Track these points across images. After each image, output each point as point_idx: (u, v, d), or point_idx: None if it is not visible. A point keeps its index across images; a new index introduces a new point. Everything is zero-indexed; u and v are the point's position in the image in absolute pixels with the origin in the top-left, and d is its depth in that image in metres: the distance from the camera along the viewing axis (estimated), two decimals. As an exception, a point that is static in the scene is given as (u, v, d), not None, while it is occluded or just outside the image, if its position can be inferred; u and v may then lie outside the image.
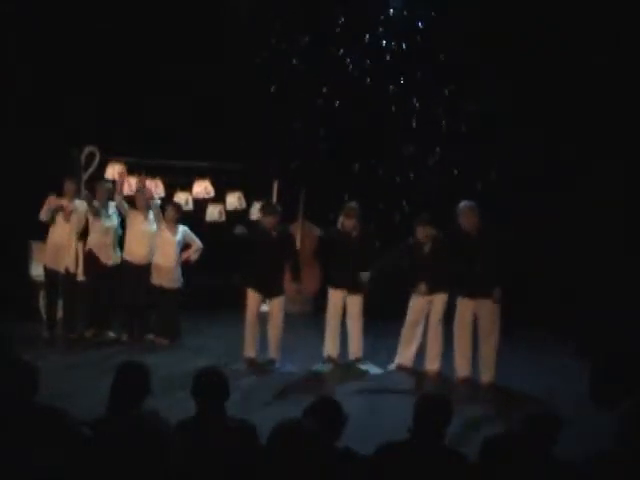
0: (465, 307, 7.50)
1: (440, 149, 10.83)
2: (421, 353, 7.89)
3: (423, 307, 7.80)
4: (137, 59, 10.16)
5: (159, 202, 8.90)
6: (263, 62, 10.66)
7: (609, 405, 6.29)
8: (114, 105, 10.04)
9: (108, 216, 8.75)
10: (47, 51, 9.82)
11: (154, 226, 8.68)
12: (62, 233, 8.65)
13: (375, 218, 9.67)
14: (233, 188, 9.72)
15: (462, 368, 7.55)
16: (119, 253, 8.81)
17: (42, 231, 8.77)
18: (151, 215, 8.70)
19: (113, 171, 9.10)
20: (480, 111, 10.42)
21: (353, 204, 8.03)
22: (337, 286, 8.00)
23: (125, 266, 8.71)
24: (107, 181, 9.00)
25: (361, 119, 10.59)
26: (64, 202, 8.61)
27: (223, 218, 9.63)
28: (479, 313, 7.47)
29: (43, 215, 8.51)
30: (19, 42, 9.79)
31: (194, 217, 9.39)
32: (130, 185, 9.09)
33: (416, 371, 7.85)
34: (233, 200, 9.69)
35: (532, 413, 3.94)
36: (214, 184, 9.66)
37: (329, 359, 8.01)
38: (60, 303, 8.82)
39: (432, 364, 7.77)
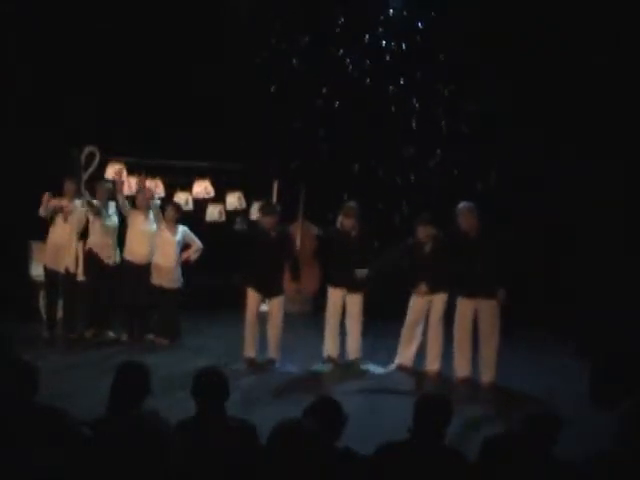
0: (465, 307, 7.50)
1: (440, 149, 10.83)
2: (421, 353, 7.89)
3: (423, 307, 7.80)
4: (137, 59, 10.16)
5: (159, 202, 8.90)
6: (263, 62, 10.66)
7: (609, 405, 6.29)
8: (114, 105, 10.04)
9: (108, 216, 8.75)
10: (47, 51, 9.82)
11: (154, 226, 8.69)
12: (62, 233, 8.65)
13: (375, 218, 9.68)
14: (233, 188, 9.72)
15: (462, 368, 7.55)
16: (119, 253, 8.81)
17: (42, 231, 8.78)
18: (151, 215, 8.70)
19: (113, 171, 9.10)
20: (480, 111, 10.42)
21: (352, 204, 8.04)
22: (336, 285, 8.01)
23: (125, 266, 8.71)
24: (107, 181, 9.00)
25: (361, 119, 10.59)
26: (64, 202, 8.61)
27: (223, 218, 9.63)
28: (479, 314, 7.47)
29: (42, 211, 8.50)
30: (19, 42, 9.79)
31: (194, 217, 9.39)
32: (130, 185, 9.10)
33: (416, 371, 7.85)
34: (233, 200, 9.69)
35: (532, 413, 3.94)
36: (214, 184, 9.66)
37: (329, 359, 8.01)
38: (60, 303, 8.82)
39: (432, 364, 7.77)
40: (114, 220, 8.81)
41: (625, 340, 7.06)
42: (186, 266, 8.81)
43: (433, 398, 3.87)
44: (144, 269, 8.61)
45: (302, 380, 7.46)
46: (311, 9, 10.60)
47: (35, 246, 9.26)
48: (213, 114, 10.30)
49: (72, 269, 8.71)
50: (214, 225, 9.63)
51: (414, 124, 10.91)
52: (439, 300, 7.77)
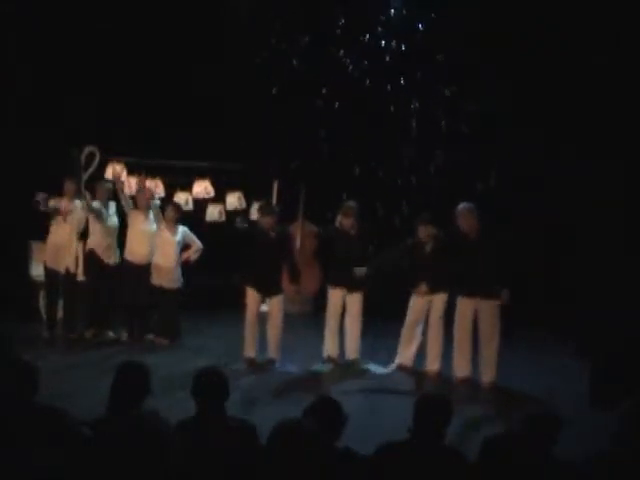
0: (465, 307, 7.50)
1: (440, 150, 10.83)
2: (421, 353, 7.90)
3: (423, 307, 7.80)
4: (137, 59, 10.16)
5: (159, 202, 8.90)
6: (263, 62, 10.65)
7: (609, 405, 6.29)
8: (114, 105, 10.04)
9: (109, 216, 8.75)
10: (47, 51, 9.82)
11: (155, 226, 8.69)
12: (62, 233, 8.65)
13: (375, 218, 9.71)
14: (233, 188, 9.72)
15: (462, 368, 7.55)
16: (119, 253, 8.81)
17: (42, 231, 8.78)
18: (152, 215, 8.71)
19: (113, 171, 9.10)
20: (480, 111, 10.42)
21: (351, 203, 8.05)
22: (336, 285, 8.01)
23: (126, 266, 8.71)
24: (107, 181, 9.00)
25: (361, 120, 10.59)
26: (64, 202, 8.61)
27: (223, 218, 9.63)
28: (479, 314, 7.47)
29: (41, 206, 8.47)
30: (19, 42, 9.79)
31: (194, 217, 9.38)
32: (130, 185, 9.10)
33: (416, 371, 7.86)
34: (233, 200, 9.69)
35: (532, 413, 3.94)
36: (214, 184, 9.66)
37: (329, 359, 8.01)
38: (60, 303, 8.82)
39: (432, 364, 7.77)
40: (114, 220, 8.82)
41: (625, 340, 7.06)
42: (186, 266, 8.81)
43: (433, 398, 3.88)
44: (144, 269, 8.61)
45: (302, 380, 7.46)
46: (311, 9, 10.59)
47: (35, 246, 9.26)
48: (213, 114, 10.30)
49: (72, 269, 8.71)
50: (214, 225, 9.63)
51: (414, 124, 10.90)
52: (439, 300, 7.77)
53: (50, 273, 8.73)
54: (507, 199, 9.93)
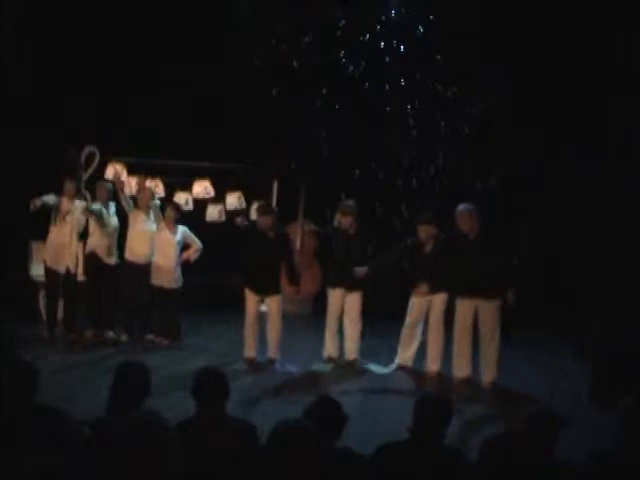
0: (465, 307, 7.50)
1: (440, 150, 10.82)
2: (421, 353, 7.90)
3: (423, 307, 7.80)
4: (137, 59, 10.16)
5: (159, 202, 8.90)
6: (263, 62, 10.65)
7: (609, 405, 6.29)
8: (114, 105, 10.04)
9: (109, 217, 8.75)
10: (47, 51, 9.82)
11: (155, 226, 8.69)
12: (62, 233, 8.64)
13: (374, 219, 9.71)
14: (233, 188, 9.72)
15: (462, 368, 7.54)
16: (119, 253, 8.81)
17: (42, 231, 8.77)
18: (152, 215, 8.71)
19: (113, 171, 9.10)
20: (480, 112, 10.41)
21: (350, 202, 8.05)
22: (335, 285, 8.01)
23: (126, 266, 8.71)
24: (107, 181, 9.00)
25: (361, 120, 10.59)
26: (64, 202, 8.61)
27: (223, 218, 9.63)
28: (479, 314, 7.46)
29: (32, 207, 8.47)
30: (19, 42, 9.79)
31: (194, 217, 9.38)
32: (130, 185, 9.10)
33: (416, 371, 7.86)
34: (233, 200, 9.69)
35: (534, 411, 3.93)
36: (214, 184, 9.66)
37: (329, 359, 8.01)
38: (60, 303, 8.81)
39: (432, 364, 7.77)
40: (114, 221, 8.81)
41: (625, 340, 7.06)
42: (186, 266, 8.81)
43: (433, 398, 3.87)
44: (144, 269, 8.61)
45: (302, 380, 7.45)
46: (311, 10, 10.59)
47: (35, 246, 9.26)
48: (213, 114, 10.30)
49: (72, 269, 8.70)
50: (214, 225, 9.63)
51: (414, 125, 10.90)
52: (439, 300, 7.77)
53: (50, 273, 8.73)
54: (507, 199, 9.93)
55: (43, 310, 9.07)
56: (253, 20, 10.66)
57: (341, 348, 8.07)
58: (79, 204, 8.65)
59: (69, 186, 8.67)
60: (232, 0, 10.80)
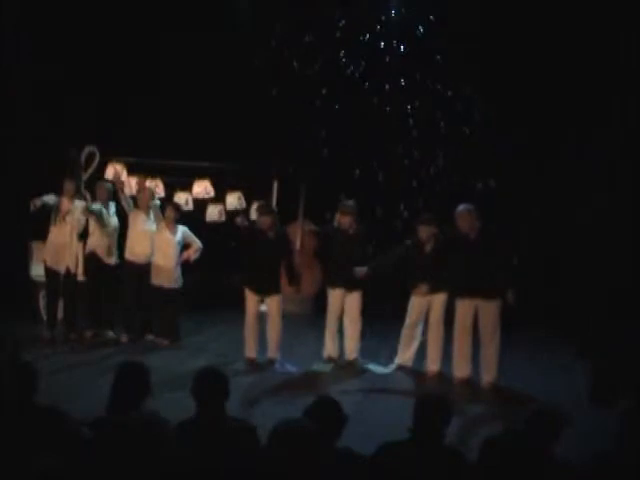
0: (465, 308, 7.49)
1: (440, 150, 10.82)
2: (421, 353, 7.90)
3: (423, 307, 7.80)
4: (137, 59, 10.16)
5: (159, 202, 8.90)
6: (263, 62, 10.65)
7: (609, 405, 6.29)
8: (114, 105, 10.04)
9: (109, 217, 8.75)
10: (47, 51, 9.82)
11: (155, 226, 8.69)
12: (62, 233, 8.64)
13: (374, 219, 9.70)
14: (233, 188, 9.72)
15: (462, 368, 7.54)
16: (119, 253, 8.81)
17: (42, 231, 8.77)
18: (152, 215, 8.71)
19: (113, 171, 9.10)
20: (480, 112, 10.42)
21: (350, 202, 8.05)
22: (335, 285, 8.01)
23: (126, 266, 8.71)
24: (107, 181, 9.00)
25: (361, 120, 10.59)
26: (64, 202, 8.61)
27: (223, 218, 9.63)
28: (480, 314, 7.45)
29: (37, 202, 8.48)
30: (19, 42, 9.79)
31: (194, 217, 9.38)
32: (130, 185, 9.10)
33: (416, 371, 7.86)
34: (233, 200, 9.69)
35: (536, 409, 3.93)
36: (214, 184, 9.66)
37: (329, 359, 8.01)
38: (60, 303, 8.81)
39: (432, 364, 7.77)
40: (114, 221, 8.81)
41: (625, 340, 7.06)
42: (186, 266, 8.81)
43: (433, 398, 3.87)
44: (145, 269, 8.61)
45: (302, 380, 7.46)
46: (311, 10, 10.59)
47: (35, 246, 9.26)
48: (213, 114, 10.29)
49: (72, 269, 8.70)
50: (214, 225, 9.63)
51: (414, 126, 10.90)
52: (439, 300, 7.77)
53: (50, 273, 8.72)
54: (507, 200, 9.92)
55: (43, 310, 9.07)
56: (253, 20, 10.66)
57: (341, 348, 8.07)
58: (79, 204, 8.65)
59: (69, 186, 8.66)
60: (232, 0, 10.80)
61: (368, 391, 7.18)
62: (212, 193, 9.69)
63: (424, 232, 7.67)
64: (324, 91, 10.93)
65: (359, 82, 10.95)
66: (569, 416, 4.09)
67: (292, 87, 10.67)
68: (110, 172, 9.09)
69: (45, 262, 8.73)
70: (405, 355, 7.93)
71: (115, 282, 8.77)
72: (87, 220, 8.71)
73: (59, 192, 8.62)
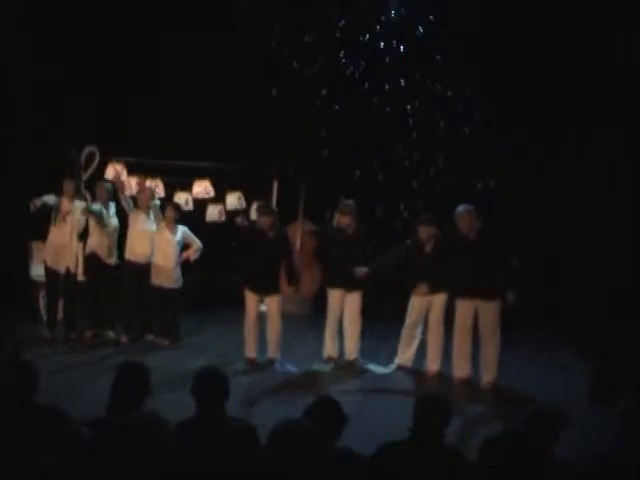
0: (465, 308, 7.49)
1: (440, 151, 10.82)
2: (421, 353, 7.90)
3: (423, 307, 7.80)
4: (137, 59, 10.16)
5: (159, 202, 8.90)
6: (263, 62, 10.65)
7: (609, 405, 6.29)
8: (114, 105, 10.04)
9: (109, 217, 8.75)
10: (47, 51, 9.82)
11: (155, 226, 8.69)
12: (62, 233, 8.64)
13: (373, 219, 9.69)
14: (233, 188, 9.72)
15: (462, 368, 7.54)
16: (119, 253, 8.81)
17: (42, 231, 8.77)
18: (152, 215, 8.71)
19: (113, 171, 9.10)
20: (479, 112, 10.42)
21: (349, 201, 8.05)
22: (335, 286, 8.00)
23: (126, 266, 8.71)
24: (107, 181, 9.00)
25: (361, 121, 10.59)
26: (64, 202, 8.61)
27: (223, 218, 9.63)
28: (479, 315, 7.45)
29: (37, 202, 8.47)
30: (19, 42, 9.79)
31: (194, 217, 9.38)
32: (130, 185, 9.10)
33: (416, 371, 7.86)
34: (233, 200, 9.69)
35: (534, 411, 3.93)
36: (214, 184, 9.66)
37: (329, 359, 8.01)
38: (60, 303, 8.81)
39: (432, 364, 7.77)
40: (114, 221, 8.81)
41: (625, 340, 7.06)
42: (186, 266, 8.81)
43: (433, 398, 3.87)
44: (145, 269, 8.61)
45: (302, 380, 7.46)
46: (311, 10, 10.59)
47: (35, 246, 9.25)
48: (213, 114, 10.29)
49: (72, 269, 8.70)
50: (214, 225, 9.63)
51: (414, 126, 10.90)
52: (439, 300, 7.77)
53: (50, 273, 8.73)
54: (507, 200, 9.93)
55: (43, 310, 9.07)
56: (253, 20, 10.66)
57: (341, 348, 8.07)
58: (79, 204, 8.65)
59: (69, 186, 8.66)
60: (232, 0, 10.80)
61: (368, 391, 7.18)
62: (212, 193, 9.69)
63: (424, 232, 7.67)
64: (324, 91, 10.94)
65: (359, 82, 10.95)
66: (569, 416, 4.09)
67: (292, 87, 10.67)
68: (110, 172, 9.09)
69: (45, 262, 8.73)
70: (405, 355, 7.93)
71: (115, 282, 8.77)
72: (87, 220, 8.71)
73: (59, 192, 8.63)
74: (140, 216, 8.71)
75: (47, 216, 8.63)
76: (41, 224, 8.72)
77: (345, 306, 7.99)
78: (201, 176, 9.64)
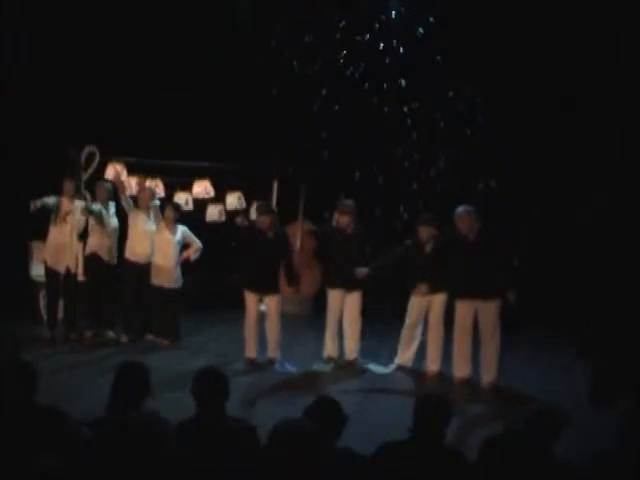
0: (465, 308, 7.49)
1: (440, 151, 10.82)
2: (421, 353, 7.89)
3: (423, 307, 7.80)
4: (137, 59, 10.16)
5: (159, 202, 8.90)
6: (263, 62, 10.65)
7: (609, 405, 6.29)
8: (114, 105, 10.04)
9: (109, 217, 8.75)
10: (47, 51, 9.82)
11: (155, 226, 8.69)
12: (62, 233, 8.64)
13: (373, 219, 9.69)
14: (233, 188, 9.72)
15: (462, 368, 7.54)
16: (119, 253, 8.81)
17: (42, 231, 8.77)
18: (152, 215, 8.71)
19: (113, 171, 9.10)
20: (479, 112, 10.42)
21: (349, 201, 8.05)
22: (334, 286, 8.00)
23: (126, 266, 8.71)
24: (107, 181, 9.00)
25: (361, 121, 10.59)
26: (64, 202, 8.61)
27: (223, 218, 9.63)
28: (479, 315, 7.45)
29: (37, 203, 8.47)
30: (19, 42, 9.79)
31: (194, 217, 9.38)
32: (130, 185, 9.10)
33: (416, 371, 7.86)
34: (233, 200, 9.69)
35: (534, 411, 3.93)
36: (214, 184, 9.66)
37: (329, 359, 8.01)
38: (60, 303, 8.81)
39: (432, 364, 7.77)
40: (114, 221, 8.81)
41: (625, 340, 7.06)
42: (186, 266, 8.81)
43: (433, 398, 3.87)
44: (144, 269, 8.61)
45: (302, 380, 7.46)
46: (311, 10, 10.59)
47: (35, 246, 9.26)
48: (213, 114, 10.29)
49: (72, 269, 8.70)
50: (214, 225, 9.63)
51: (413, 126, 10.90)
52: (439, 300, 7.76)
53: (50, 273, 8.73)
54: (506, 200, 9.93)
55: (43, 310, 9.07)
56: (253, 20, 10.66)
57: (341, 348, 8.06)
58: (79, 204, 8.65)
59: (69, 186, 8.66)
60: (232, 0, 10.80)
61: (368, 391, 7.18)
62: (212, 193, 9.69)
63: (424, 232, 7.66)
64: (324, 91, 10.94)
65: (359, 82, 10.95)
66: (569, 416, 4.10)
67: (292, 87, 10.67)
68: (110, 172, 9.09)
69: (45, 262, 8.73)
70: (405, 355, 7.93)
71: (115, 282, 8.77)
72: (87, 220, 8.71)
73: (59, 192, 8.63)
74: (140, 216, 8.71)
75: (47, 216, 8.63)
76: (41, 224, 8.72)
77: (345, 306, 7.99)
78: (201, 176, 9.64)
